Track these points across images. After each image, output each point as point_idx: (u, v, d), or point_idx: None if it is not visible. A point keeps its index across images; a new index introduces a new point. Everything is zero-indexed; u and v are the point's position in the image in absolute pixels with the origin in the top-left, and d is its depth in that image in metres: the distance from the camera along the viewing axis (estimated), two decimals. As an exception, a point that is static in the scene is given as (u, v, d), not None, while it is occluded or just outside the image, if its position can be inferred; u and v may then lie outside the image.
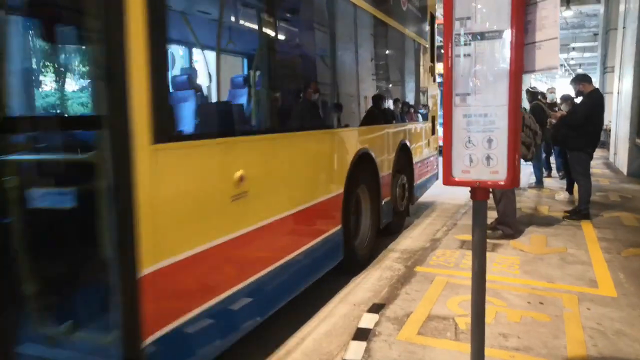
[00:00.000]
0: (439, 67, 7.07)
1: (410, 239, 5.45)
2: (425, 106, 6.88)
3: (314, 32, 3.95)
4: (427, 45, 6.74)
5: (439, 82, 7.42)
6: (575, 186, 6.72)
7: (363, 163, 4.34)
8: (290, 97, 3.67)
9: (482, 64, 2.01)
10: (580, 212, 5.95)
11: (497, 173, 2.06)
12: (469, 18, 2.01)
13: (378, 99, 4.97)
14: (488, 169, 2.07)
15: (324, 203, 3.62)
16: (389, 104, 5.44)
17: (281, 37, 3.55)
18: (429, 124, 7.01)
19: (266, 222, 2.84)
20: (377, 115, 4.94)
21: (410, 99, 6.22)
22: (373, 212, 4.68)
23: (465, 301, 3.43)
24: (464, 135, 2.09)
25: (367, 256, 4.62)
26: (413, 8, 6.06)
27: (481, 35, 2.00)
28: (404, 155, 5.62)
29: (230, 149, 2.56)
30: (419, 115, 6.55)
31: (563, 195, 7.39)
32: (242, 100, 3.72)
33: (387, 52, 5.53)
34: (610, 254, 4.58)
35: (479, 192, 2.13)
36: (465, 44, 2.04)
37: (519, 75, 1.97)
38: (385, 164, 5.00)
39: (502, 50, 1.96)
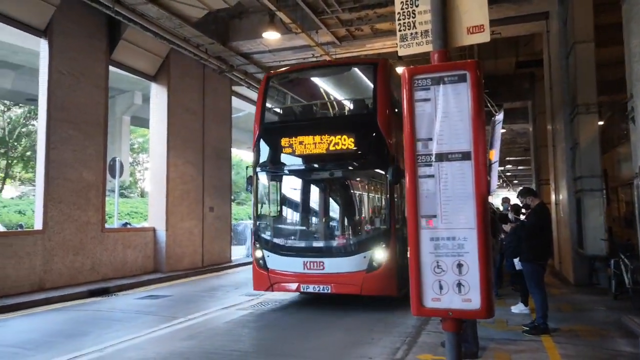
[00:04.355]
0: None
1: None
2: None
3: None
4: None
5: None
6: (531, 297, 6.66)
7: None
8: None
9: (447, 185, 1.94)
10: (538, 326, 5.82)
11: (470, 301, 1.89)
12: (430, 139, 1.97)
13: None
14: (460, 296, 1.90)
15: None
16: None
17: None
18: None
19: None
20: None
21: None
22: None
23: None
24: (432, 260, 1.95)
25: None
26: None
27: (443, 157, 1.95)
28: None
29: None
30: None
31: (519, 307, 7.28)
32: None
33: None
34: (577, 374, 4.39)
35: (451, 322, 1.93)
36: (427, 165, 1.98)
37: (486, 196, 1.89)
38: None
39: (467, 172, 1.91)
